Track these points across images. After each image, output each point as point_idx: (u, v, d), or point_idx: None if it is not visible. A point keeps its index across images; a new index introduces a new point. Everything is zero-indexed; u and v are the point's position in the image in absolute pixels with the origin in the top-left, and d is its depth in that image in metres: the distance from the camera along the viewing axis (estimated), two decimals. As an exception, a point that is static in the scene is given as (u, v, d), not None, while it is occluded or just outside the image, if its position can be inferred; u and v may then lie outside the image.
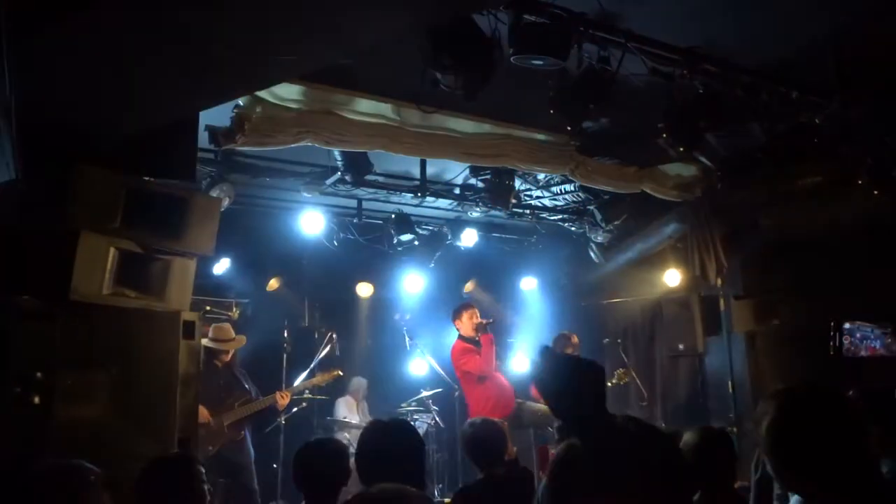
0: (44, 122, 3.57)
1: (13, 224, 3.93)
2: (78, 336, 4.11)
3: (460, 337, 7.06)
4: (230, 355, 6.72)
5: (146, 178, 4.35)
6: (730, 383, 7.53)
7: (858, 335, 1.89)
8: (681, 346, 8.28)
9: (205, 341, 6.39)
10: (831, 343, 1.85)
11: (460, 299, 9.03)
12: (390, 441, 2.77)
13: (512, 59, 4.15)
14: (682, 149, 5.66)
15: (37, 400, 3.92)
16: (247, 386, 6.72)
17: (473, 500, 3.84)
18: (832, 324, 1.85)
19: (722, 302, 7.81)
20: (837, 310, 6.07)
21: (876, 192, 5.91)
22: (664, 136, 5.56)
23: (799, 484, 1.71)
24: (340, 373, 7.59)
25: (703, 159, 5.99)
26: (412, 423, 7.51)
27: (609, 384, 7.96)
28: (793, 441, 1.70)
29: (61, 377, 4.02)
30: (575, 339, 7.95)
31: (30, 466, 1.51)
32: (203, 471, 3.04)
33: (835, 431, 1.66)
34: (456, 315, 7.15)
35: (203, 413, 6.13)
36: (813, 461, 1.66)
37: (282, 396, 6.68)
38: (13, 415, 3.85)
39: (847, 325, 1.88)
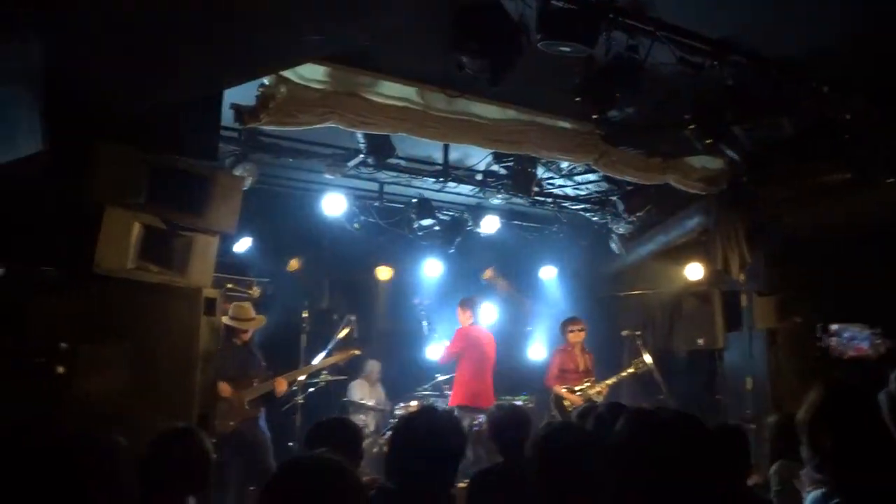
0: (73, 94, 3.60)
1: (38, 197, 3.97)
2: (100, 309, 4.17)
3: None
4: (249, 334, 6.77)
5: (171, 155, 4.38)
6: (749, 380, 7.46)
7: (847, 335, 1.92)
8: (700, 341, 8.22)
9: (225, 319, 6.45)
10: (818, 344, 1.93)
11: (479, 285, 9.05)
12: (436, 434, 2.58)
13: (539, 44, 4.11)
14: (708, 141, 5.58)
15: (60, 370, 3.99)
16: (263, 364, 6.77)
17: (491, 485, 3.81)
18: (818, 325, 1.94)
19: (743, 298, 7.72)
20: (846, 309, 6.00)
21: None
22: (690, 127, 5.49)
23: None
24: (358, 352, 7.61)
25: (729, 152, 5.89)
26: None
27: (626, 373, 7.93)
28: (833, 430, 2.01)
29: (83, 350, 4.08)
30: (582, 325, 7.82)
31: (54, 434, 1.50)
32: (209, 447, 2.94)
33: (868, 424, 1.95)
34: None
35: (225, 388, 6.20)
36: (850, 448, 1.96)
37: (279, 383, 6.57)
38: (35, 385, 3.91)
39: (835, 326, 1.95)
